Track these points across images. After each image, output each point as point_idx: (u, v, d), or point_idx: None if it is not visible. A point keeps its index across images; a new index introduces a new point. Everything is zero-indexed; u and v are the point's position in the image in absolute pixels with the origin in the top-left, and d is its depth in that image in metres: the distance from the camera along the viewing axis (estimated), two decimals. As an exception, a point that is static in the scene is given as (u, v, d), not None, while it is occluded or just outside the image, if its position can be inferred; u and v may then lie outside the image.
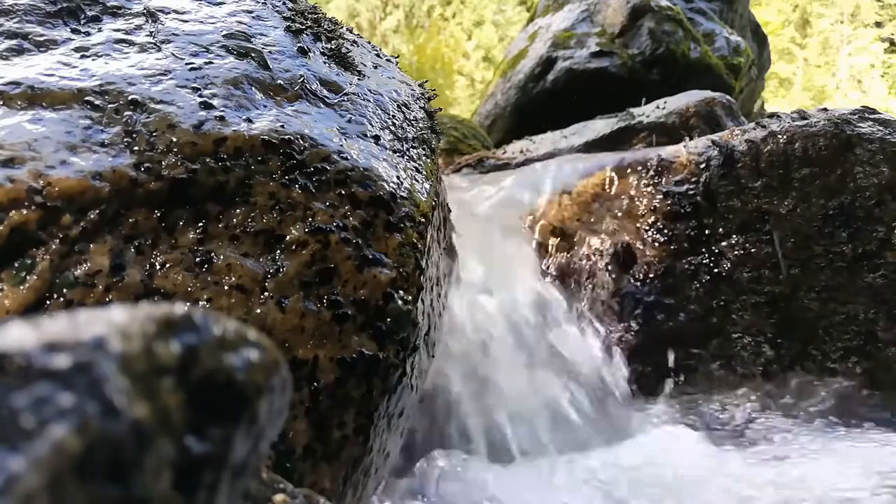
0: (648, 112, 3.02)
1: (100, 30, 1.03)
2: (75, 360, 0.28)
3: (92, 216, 0.80)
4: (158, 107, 0.92)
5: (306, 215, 0.94)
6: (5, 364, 0.26)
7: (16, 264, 0.75)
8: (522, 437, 1.57)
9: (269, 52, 1.12)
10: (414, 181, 1.12)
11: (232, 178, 0.91)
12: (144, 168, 0.85)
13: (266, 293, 0.87)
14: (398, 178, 1.08)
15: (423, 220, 1.07)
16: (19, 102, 0.85)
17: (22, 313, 0.74)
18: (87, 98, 0.89)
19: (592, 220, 2.22)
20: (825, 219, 1.90)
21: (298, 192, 0.95)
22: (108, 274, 0.79)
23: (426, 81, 1.48)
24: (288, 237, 0.91)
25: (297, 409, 0.85)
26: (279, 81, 1.08)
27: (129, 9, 1.09)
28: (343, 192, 0.98)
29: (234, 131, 0.94)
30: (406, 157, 1.16)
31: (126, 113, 0.89)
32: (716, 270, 1.97)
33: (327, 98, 1.13)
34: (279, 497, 0.51)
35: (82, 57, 0.96)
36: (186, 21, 1.11)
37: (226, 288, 0.85)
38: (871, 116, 1.96)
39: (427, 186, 1.15)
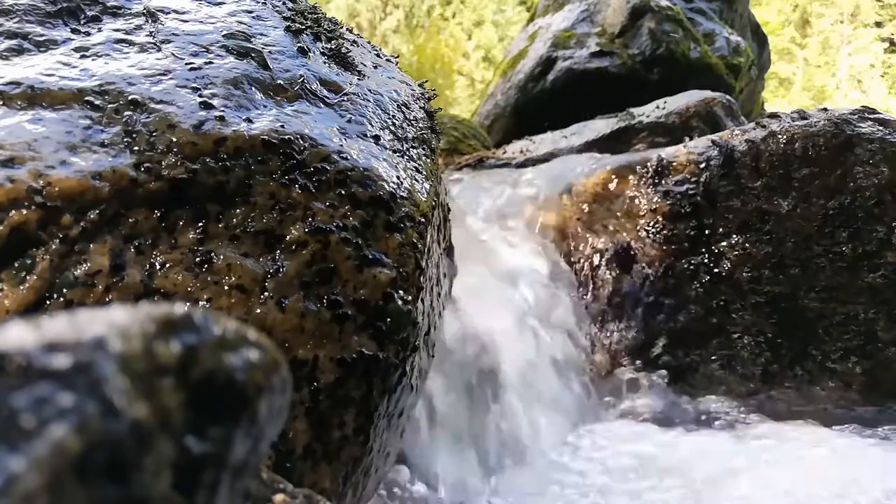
0: (648, 112, 3.02)
1: (100, 30, 1.03)
2: (75, 360, 0.28)
3: (92, 216, 0.80)
4: (158, 107, 0.92)
5: (306, 215, 0.94)
6: (5, 364, 0.26)
7: (16, 264, 0.75)
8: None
9: (269, 52, 1.12)
10: (414, 181, 1.12)
11: (232, 178, 0.91)
12: (144, 168, 0.85)
13: (266, 293, 0.87)
14: (398, 178, 1.08)
15: (423, 220, 1.07)
16: (19, 102, 0.85)
17: (22, 313, 0.74)
18: (87, 98, 0.89)
19: (592, 219, 2.22)
20: (825, 219, 1.90)
21: (298, 192, 0.95)
22: (108, 274, 0.79)
23: (426, 81, 1.48)
24: (288, 237, 0.91)
25: (297, 409, 0.85)
26: (279, 81, 1.08)
27: (129, 9, 1.09)
28: (343, 192, 0.98)
29: (234, 131, 0.94)
30: (406, 157, 1.16)
31: (126, 113, 0.89)
32: (716, 270, 1.97)
33: (327, 98, 1.13)
34: (279, 497, 0.51)
35: (82, 57, 0.96)
36: (186, 21, 1.11)
37: (226, 288, 0.85)
38: (871, 116, 1.95)
39: (427, 186, 1.15)
